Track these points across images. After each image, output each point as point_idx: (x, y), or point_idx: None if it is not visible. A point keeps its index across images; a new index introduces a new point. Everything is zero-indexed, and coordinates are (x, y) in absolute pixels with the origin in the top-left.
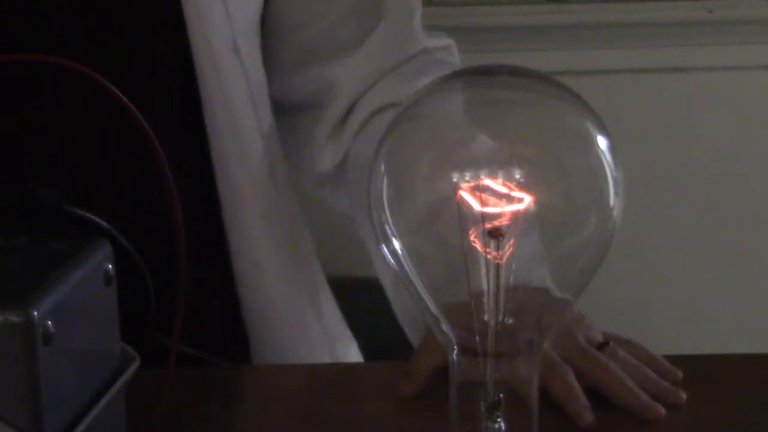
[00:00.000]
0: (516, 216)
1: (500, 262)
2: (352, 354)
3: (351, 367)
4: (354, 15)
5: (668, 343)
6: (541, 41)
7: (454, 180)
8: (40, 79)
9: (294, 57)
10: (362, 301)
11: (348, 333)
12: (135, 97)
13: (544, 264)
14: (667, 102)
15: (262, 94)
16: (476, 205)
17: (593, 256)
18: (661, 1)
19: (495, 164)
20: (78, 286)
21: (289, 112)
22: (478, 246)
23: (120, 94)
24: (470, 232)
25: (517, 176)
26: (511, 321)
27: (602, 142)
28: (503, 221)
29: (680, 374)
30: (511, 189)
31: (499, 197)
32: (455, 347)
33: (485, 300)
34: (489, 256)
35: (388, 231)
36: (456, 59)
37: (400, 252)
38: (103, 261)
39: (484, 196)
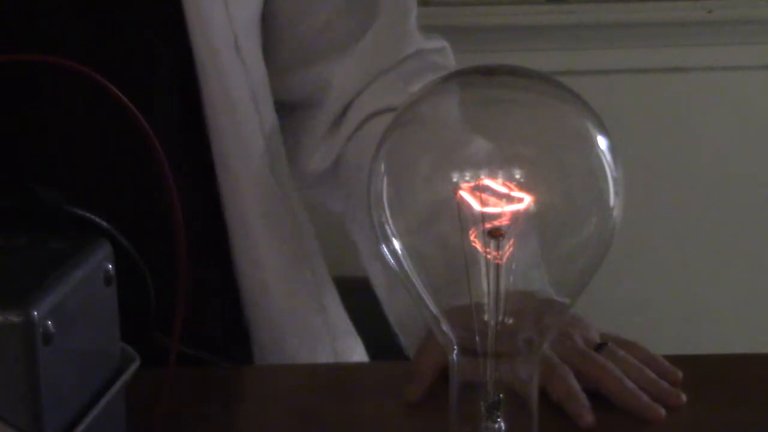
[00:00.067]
0: (516, 216)
1: (500, 262)
2: (356, 353)
3: (351, 367)
4: (349, 12)
5: (668, 343)
6: (541, 41)
7: (454, 180)
8: (40, 79)
9: (290, 56)
10: (363, 301)
11: (353, 332)
12: (135, 97)
13: (543, 268)
14: (667, 102)
15: (263, 91)
16: (476, 205)
17: (593, 256)
18: (661, 1)
19: (495, 164)
20: (78, 286)
21: (285, 112)
22: (478, 246)
23: (120, 94)
24: (470, 232)
25: (517, 176)
26: (511, 321)
27: (602, 142)
28: (503, 221)
29: (680, 374)
30: (511, 189)
31: (499, 197)
32: (455, 347)
33: (485, 300)
34: (489, 256)
35: (388, 231)
36: (451, 62)
37: (400, 252)
38: (103, 261)
39: (484, 196)
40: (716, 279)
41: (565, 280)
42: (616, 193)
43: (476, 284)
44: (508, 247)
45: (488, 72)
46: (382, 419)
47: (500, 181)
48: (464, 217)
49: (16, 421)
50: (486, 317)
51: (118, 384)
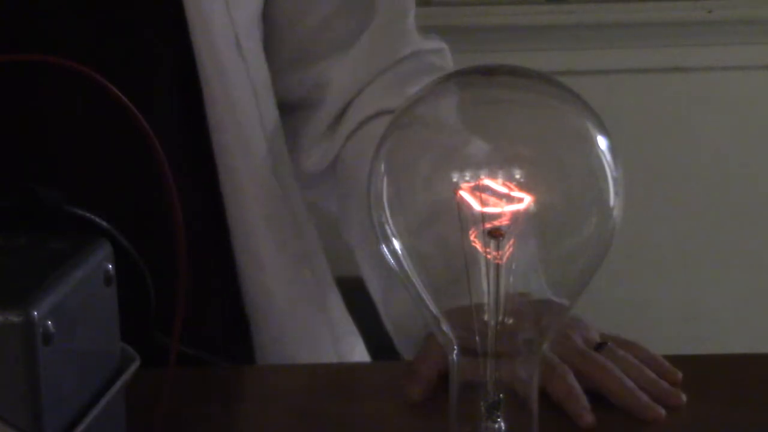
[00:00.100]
0: (516, 216)
1: (500, 262)
2: (357, 353)
3: (351, 367)
4: (347, 11)
5: (668, 343)
6: (541, 41)
7: (454, 180)
8: (40, 79)
9: (290, 56)
10: (363, 301)
11: (354, 331)
12: (135, 97)
13: (542, 268)
14: (667, 102)
15: (265, 91)
16: (476, 205)
17: (593, 256)
18: (661, 1)
19: (495, 164)
20: (78, 286)
21: (283, 112)
22: (478, 246)
23: (120, 94)
24: (470, 232)
25: (517, 176)
26: (511, 321)
27: (602, 142)
28: (503, 221)
29: (680, 375)
30: (511, 189)
31: (499, 197)
32: (455, 347)
33: (485, 300)
34: (489, 256)
35: (388, 231)
36: (449, 63)
37: (400, 252)
38: (103, 261)
39: (484, 196)
40: (716, 279)
41: (565, 280)
42: (616, 193)
43: (476, 284)
44: (508, 247)
45: (488, 72)
46: (382, 419)
47: (500, 181)
48: (464, 217)
49: (16, 421)
50: (486, 317)
51: (118, 384)
